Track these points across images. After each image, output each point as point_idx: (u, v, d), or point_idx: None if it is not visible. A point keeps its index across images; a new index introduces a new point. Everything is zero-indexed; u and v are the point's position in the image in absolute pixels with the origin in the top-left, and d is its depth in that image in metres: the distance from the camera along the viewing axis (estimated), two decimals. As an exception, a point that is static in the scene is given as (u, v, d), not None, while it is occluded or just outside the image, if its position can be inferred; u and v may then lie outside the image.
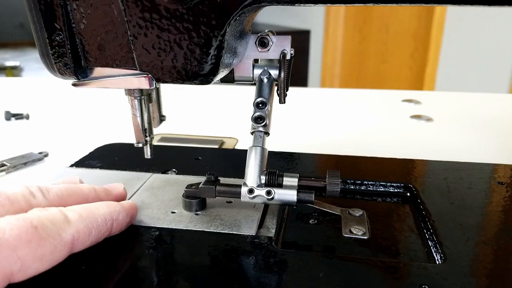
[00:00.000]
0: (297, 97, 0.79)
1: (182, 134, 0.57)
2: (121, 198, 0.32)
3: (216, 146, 0.52)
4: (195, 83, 0.28)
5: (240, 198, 0.30)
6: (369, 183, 0.38)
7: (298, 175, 0.31)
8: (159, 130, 0.56)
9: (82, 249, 0.25)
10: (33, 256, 0.21)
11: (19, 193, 0.25)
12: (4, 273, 0.20)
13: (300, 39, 3.04)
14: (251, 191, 0.30)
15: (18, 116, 0.66)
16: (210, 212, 0.33)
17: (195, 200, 0.32)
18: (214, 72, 0.27)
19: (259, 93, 0.31)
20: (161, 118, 0.38)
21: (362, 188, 0.38)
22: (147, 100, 0.33)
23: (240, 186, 0.30)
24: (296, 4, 0.26)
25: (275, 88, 0.32)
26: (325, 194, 0.31)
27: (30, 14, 0.27)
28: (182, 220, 0.32)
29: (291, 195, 0.30)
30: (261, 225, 0.31)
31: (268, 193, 0.30)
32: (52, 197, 0.27)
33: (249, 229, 0.30)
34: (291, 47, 0.31)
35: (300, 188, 0.30)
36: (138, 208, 0.33)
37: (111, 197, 0.31)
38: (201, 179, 0.38)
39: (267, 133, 0.31)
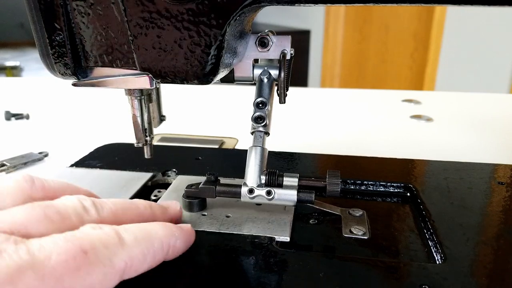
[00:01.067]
0: (297, 97, 0.79)
1: (182, 134, 0.57)
2: (176, 217, 0.30)
3: (216, 146, 0.52)
4: (195, 83, 0.28)
5: (240, 198, 0.30)
6: (369, 183, 0.38)
7: (298, 175, 0.31)
8: (159, 130, 0.56)
9: (134, 276, 0.22)
10: (80, 286, 0.19)
11: (71, 207, 0.23)
12: None
13: (300, 39, 3.04)
14: (251, 191, 0.30)
15: (18, 116, 0.66)
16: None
17: (196, 200, 0.32)
18: (214, 72, 0.27)
19: (259, 93, 0.31)
20: (161, 118, 0.38)
21: (362, 188, 0.38)
22: (147, 100, 0.33)
23: (240, 186, 0.30)
24: (296, 4, 0.26)
25: (275, 88, 0.32)
26: (325, 194, 0.31)
27: (30, 14, 0.27)
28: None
29: (291, 195, 0.30)
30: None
31: (268, 193, 0.29)
32: (106, 214, 0.24)
33: (283, 232, 0.30)
34: (291, 47, 0.31)
35: (300, 188, 0.30)
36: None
37: (167, 216, 0.29)
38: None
39: (267, 133, 0.31)
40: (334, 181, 0.30)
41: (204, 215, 0.32)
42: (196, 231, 0.28)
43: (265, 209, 0.33)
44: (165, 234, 0.24)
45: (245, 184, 0.30)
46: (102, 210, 0.24)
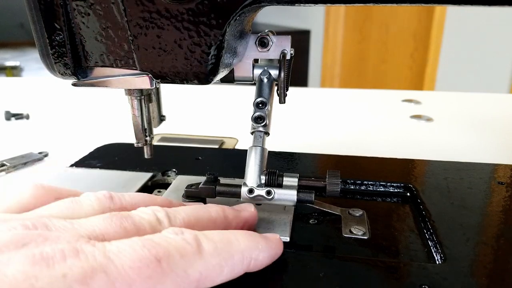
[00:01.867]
0: (297, 97, 0.79)
1: (182, 134, 0.57)
2: (251, 221, 0.29)
3: (216, 146, 0.52)
4: (195, 83, 0.28)
5: (240, 198, 0.30)
6: (369, 183, 0.38)
7: (298, 175, 0.31)
8: (159, 130, 0.56)
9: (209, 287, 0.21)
10: None
11: (146, 219, 0.23)
12: None
13: (300, 39, 3.04)
14: (251, 191, 0.30)
15: (18, 116, 0.66)
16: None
17: (195, 200, 0.32)
18: (214, 72, 0.27)
19: (259, 93, 0.31)
20: (161, 118, 0.38)
21: (362, 188, 0.38)
22: (147, 100, 0.33)
23: (240, 186, 0.30)
24: (296, 4, 0.26)
25: (275, 88, 0.32)
26: (325, 194, 0.30)
27: (30, 14, 0.27)
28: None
29: (291, 195, 0.30)
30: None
31: (268, 193, 0.29)
32: (179, 225, 0.24)
33: (283, 232, 0.30)
34: (291, 47, 0.31)
35: (300, 188, 0.30)
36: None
37: (240, 220, 0.28)
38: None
39: (267, 133, 0.31)
40: (334, 181, 0.30)
41: None
42: None
43: (265, 209, 0.33)
44: (248, 246, 0.23)
45: (245, 184, 0.30)
46: (175, 220, 0.24)
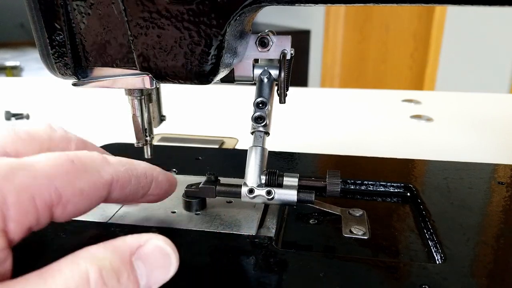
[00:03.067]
0: (297, 97, 0.79)
1: (182, 134, 0.57)
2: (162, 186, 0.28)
3: (216, 146, 0.52)
4: (195, 83, 0.28)
5: (240, 198, 0.30)
6: (369, 183, 0.38)
7: (298, 175, 0.31)
8: (159, 130, 0.56)
9: (120, 198, 0.23)
10: (72, 189, 0.20)
11: (43, 129, 0.24)
12: (44, 201, 0.19)
13: (300, 39, 3.04)
14: (251, 191, 0.30)
15: (18, 116, 0.66)
16: (210, 212, 0.33)
17: (195, 200, 0.32)
18: (214, 72, 0.27)
19: (259, 93, 0.31)
20: (161, 118, 0.38)
21: (362, 188, 0.38)
22: (147, 100, 0.33)
23: (240, 186, 0.30)
24: (296, 4, 0.26)
25: (275, 88, 0.32)
26: (325, 194, 0.31)
27: (30, 14, 0.27)
28: (182, 220, 0.32)
29: (291, 195, 0.30)
30: (261, 225, 0.31)
31: (268, 193, 0.30)
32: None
33: (249, 229, 0.30)
34: (291, 47, 0.31)
35: (300, 188, 0.30)
36: (138, 208, 0.33)
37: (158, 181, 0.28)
38: (201, 179, 0.39)
39: (267, 133, 0.31)
40: (334, 181, 0.30)
41: (174, 212, 0.33)
42: (173, 229, 0.29)
43: (234, 206, 0.33)
44: (148, 166, 0.26)
45: (245, 184, 0.30)
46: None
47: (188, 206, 0.33)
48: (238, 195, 0.30)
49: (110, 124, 0.64)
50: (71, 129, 0.26)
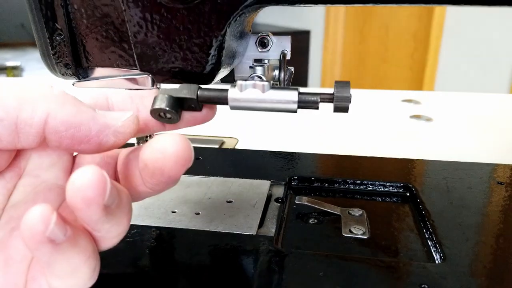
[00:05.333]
0: (297, 97, 0.79)
1: (182, 134, 0.57)
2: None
3: (216, 146, 0.52)
4: (195, 83, 0.28)
5: (227, 103, 0.26)
6: (369, 183, 0.38)
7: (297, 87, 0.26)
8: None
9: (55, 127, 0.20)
10: None
11: None
12: None
13: (300, 39, 3.04)
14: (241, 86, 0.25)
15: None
16: (210, 212, 0.33)
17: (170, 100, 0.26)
18: (214, 72, 0.27)
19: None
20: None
21: (362, 187, 0.38)
22: (147, 100, 0.33)
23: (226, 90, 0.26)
24: (296, 4, 0.26)
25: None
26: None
27: (30, 14, 0.27)
28: (182, 219, 0.32)
29: (291, 95, 0.25)
30: (261, 225, 0.31)
31: (260, 78, 0.26)
32: None
33: (249, 229, 0.30)
34: (291, 47, 0.31)
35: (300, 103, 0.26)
36: (138, 208, 0.34)
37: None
38: (201, 178, 0.39)
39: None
40: (343, 93, 0.25)
41: (174, 212, 0.32)
42: (173, 229, 0.29)
43: (234, 206, 0.33)
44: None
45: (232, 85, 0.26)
46: None
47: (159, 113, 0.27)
48: (225, 99, 0.26)
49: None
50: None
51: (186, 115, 0.26)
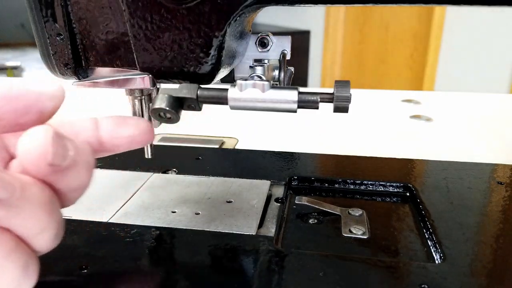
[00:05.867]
0: (297, 97, 0.79)
1: (182, 134, 0.57)
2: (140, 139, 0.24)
3: (216, 146, 0.52)
4: (195, 83, 0.28)
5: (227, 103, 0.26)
6: (369, 183, 0.38)
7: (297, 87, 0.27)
8: (159, 130, 0.56)
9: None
10: None
11: None
12: None
13: (300, 39, 3.04)
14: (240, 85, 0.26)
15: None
16: (210, 212, 0.33)
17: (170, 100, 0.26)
18: (214, 72, 0.27)
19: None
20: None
21: (362, 187, 0.38)
22: (147, 100, 0.33)
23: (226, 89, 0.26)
24: (296, 4, 0.26)
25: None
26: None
27: (30, 14, 0.27)
28: (182, 219, 0.32)
29: (291, 95, 0.25)
30: (261, 225, 0.31)
31: (259, 77, 0.26)
32: None
33: (249, 229, 0.30)
34: (291, 47, 0.31)
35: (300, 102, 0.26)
36: (138, 208, 0.34)
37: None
38: (201, 178, 0.39)
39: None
40: (343, 93, 0.25)
41: (174, 212, 0.32)
42: (173, 229, 0.29)
43: (234, 206, 0.33)
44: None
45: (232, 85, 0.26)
46: None
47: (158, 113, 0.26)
48: (225, 99, 0.26)
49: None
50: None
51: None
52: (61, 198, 0.21)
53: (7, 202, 0.17)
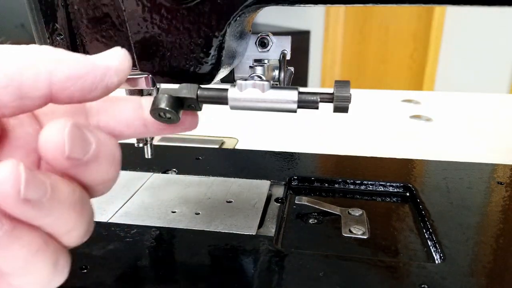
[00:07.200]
0: (297, 97, 0.79)
1: (182, 134, 0.57)
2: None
3: (216, 146, 0.52)
4: (195, 83, 0.28)
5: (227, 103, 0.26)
6: (369, 183, 0.38)
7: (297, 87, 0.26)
8: (159, 130, 0.56)
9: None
10: None
11: None
12: None
13: (300, 39, 3.04)
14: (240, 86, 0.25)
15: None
16: (210, 212, 0.33)
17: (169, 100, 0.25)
18: (214, 72, 0.27)
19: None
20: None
21: (362, 187, 0.38)
22: (147, 100, 0.33)
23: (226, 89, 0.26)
24: (296, 4, 0.26)
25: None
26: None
27: (31, 14, 0.27)
28: (182, 219, 0.32)
29: (291, 95, 0.25)
30: (261, 225, 0.31)
31: (260, 78, 0.26)
32: None
33: (249, 229, 0.30)
34: (291, 47, 0.31)
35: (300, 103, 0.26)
36: (138, 208, 0.34)
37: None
38: (202, 178, 0.39)
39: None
40: (343, 92, 0.25)
41: (174, 212, 0.32)
42: (173, 229, 0.29)
43: (234, 206, 0.33)
44: None
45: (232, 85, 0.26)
46: None
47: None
48: (225, 99, 0.26)
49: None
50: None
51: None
52: (88, 191, 0.20)
53: (38, 203, 0.17)
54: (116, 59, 0.21)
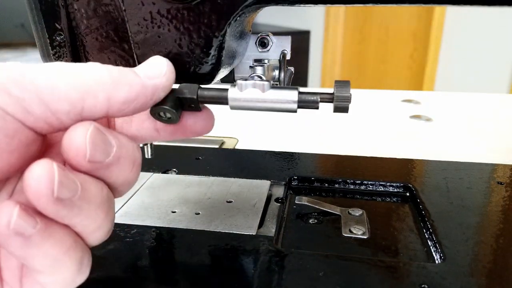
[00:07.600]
0: (297, 97, 0.79)
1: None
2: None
3: (216, 146, 0.52)
4: (195, 83, 0.28)
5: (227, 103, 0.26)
6: (369, 182, 0.38)
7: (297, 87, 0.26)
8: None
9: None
10: None
11: None
12: None
13: (300, 39, 3.04)
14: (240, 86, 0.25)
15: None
16: (210, 212, 0.33)
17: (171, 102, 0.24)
18: (214, 72, 0.27)
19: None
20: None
21: (362, 187, 0.38)
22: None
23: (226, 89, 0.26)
24: (296, 4, 0.26)
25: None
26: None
27: (31, 15, 0.27)
28: (182, 219, 0.32)
29: (291, 95, 0.25)
30: (261, 225, 0.31)
31: (260, 78, 0.26)
32: None
33: (249, 229, 0.30)
34: (291, 47, 0.31)
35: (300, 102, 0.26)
36: (138, 208, 0.34)
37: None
38: (202, 178, 0.39)
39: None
40: (343, 93, 0.25)
41: (174, 212, 0.32)
42: (173, 229, 0.29)
43: (234, 206, 0.33)
44: None
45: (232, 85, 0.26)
46: None
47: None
48: (225, 99, 0.25)
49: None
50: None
51: (187, 122, 0.26)
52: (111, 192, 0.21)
53: (69, 202, 0.17)
54: (164, 77, 0.22)
